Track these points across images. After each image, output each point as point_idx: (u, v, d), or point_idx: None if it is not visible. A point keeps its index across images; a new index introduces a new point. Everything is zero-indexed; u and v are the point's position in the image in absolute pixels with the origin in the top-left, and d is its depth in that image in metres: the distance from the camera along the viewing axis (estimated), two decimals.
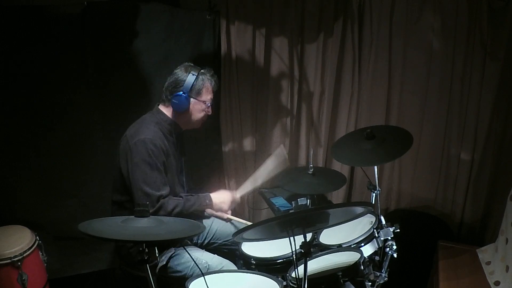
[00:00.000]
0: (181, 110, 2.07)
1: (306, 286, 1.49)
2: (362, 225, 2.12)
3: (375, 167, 2.12)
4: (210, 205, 2.18)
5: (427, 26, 2.47)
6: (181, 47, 2.70)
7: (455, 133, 2.59)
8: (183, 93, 2.03)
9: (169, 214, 1.96)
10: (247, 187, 2.34)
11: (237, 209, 2.96)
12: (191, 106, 2.07)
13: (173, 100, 2.05)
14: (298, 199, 1.44)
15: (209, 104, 2.12)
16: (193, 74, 2.04)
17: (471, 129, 2.55)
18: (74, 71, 2.62)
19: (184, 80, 2.03)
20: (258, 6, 2.57)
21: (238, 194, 2.30)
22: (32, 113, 2.64)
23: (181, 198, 2.07)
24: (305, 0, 2.54)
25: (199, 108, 2.10)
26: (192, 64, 2.10)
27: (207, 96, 2.10)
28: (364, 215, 1.70)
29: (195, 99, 2.07)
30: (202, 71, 2.08)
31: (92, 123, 2.72)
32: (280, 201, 2.51)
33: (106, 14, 2.55)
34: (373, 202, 2.16)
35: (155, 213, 1.93)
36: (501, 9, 2.30)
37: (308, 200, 1.46)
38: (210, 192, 2.21)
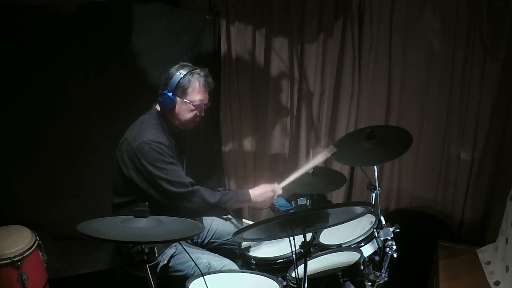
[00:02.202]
0: (167, 109, 2.01)
1: (306, 286, 1.49)
2: (362, 225, 2.12)
3: (375, 167, 2.12)
4: (248, 201, 2.07)
5: (427, 26, 2.47)
6: (181, 47, 2.70)
7: (455, 133, 2.59)
8: (168, 91, 1.97)
9: (206, 203, 1.91)
10: (290, 179, 2.18)
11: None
12: (177, 105, 2.00)
13: (159, 98, 2.00)
14: (298, 199, 1.44)
15: (198, 105, 2.02)
16: (180, 73, 1.98)
17: (471, 129, 2.55)
18: (74, 71, 2.62)
19: (171, 78, 1.98)
20: (258, 6, 2.57)
21: (280, 186, 2.15)
22: (32, 113, 2.64)
23: (219, 192, 2.01)
24: (305, 0, 2.54)
25: (186, 109, 2.01)
26: (188, 64, 2.05)
27: (195, 97, 2.00)
28: (364, 215, 1.70)
29: (181, 98, 1.99)
30: (194, 70, 2.01)
31: (92, 123, 2.72)
32: (280, 201, 2.51)
33: (106, 14, 2.55)
34: (373, 202, 2.15)
35: (189, 197, 1.89)
36: (501, 9, 2.30)
37: (308, 200, 1.46)
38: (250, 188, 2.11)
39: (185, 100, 2.00)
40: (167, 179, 1.90)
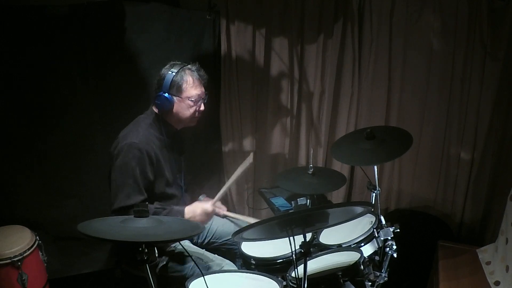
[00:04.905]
0: (165, 110, 2.00)
1: (306, 286, 1.49)
2: (362, 225, 2.13)
3: (375, 167, 2.11)
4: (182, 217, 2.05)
5: (427, 26, 2.47)
6: (181, 47, 2.70)
7: (455, 133, 2.59)
8: (164, 92, 1.97)
9: None
10: (219, 194, 2.18)
11: (237, 208, 2.97)
12: (175, 105, 2.00)
13: (156, 101, 1.99)
14: (298, 199, 1.44)
15: (196, 100, 2.02)
16: (172, 72, 1.97)
17: (471, 129, 2.55)
18: (74, 71, 2.62)
19: (163, 79, 1.97)
20: (258, 6, 2.57)
21: (211, 203, 2.11)
22: (32, 113, 2.63)
23: (152, 206, 1.97)
24: (305, 0, 2.54)
25: (184, 106, 2.02)
26: (177, 62, 2.05)
27: (191, 92, 2.00)
28: (364, 215, 1.71)
29: (178, 96, 2.00)
30: (185, 66, 2.01)
31: (92, 123, 2.72)
32: (280, 201, 2.51)
33: (106, 14, 2.55)
34: (373, 202, 2.15)
35: (118, 213, 1.89)
36: (501, 9, 2.30)
37: (308, 200, 1.46)
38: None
39: (182, 97, 2.00)
40: (116, 188, 1.90)
